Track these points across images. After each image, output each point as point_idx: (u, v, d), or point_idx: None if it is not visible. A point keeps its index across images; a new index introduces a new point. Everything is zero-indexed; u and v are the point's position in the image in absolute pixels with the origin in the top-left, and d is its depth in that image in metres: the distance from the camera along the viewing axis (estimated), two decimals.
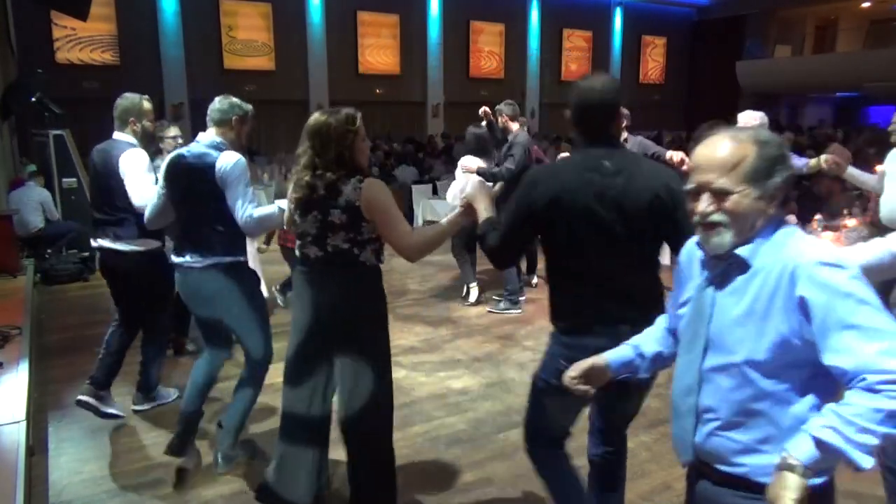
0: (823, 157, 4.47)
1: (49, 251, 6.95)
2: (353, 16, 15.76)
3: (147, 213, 3.09)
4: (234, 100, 2.97)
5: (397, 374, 4.19)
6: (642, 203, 1.95)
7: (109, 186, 3.40)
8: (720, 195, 1.35)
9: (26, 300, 5.05)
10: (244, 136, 3.03)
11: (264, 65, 14.69)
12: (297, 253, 2.48)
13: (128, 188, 3.33)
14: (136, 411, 3.70)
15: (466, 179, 5.37)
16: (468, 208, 2.30)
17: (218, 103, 2.93)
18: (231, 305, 2.90)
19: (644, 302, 2.01)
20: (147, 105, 3.56)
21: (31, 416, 3.18)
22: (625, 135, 5.81)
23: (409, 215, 9.76)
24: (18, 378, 3.35)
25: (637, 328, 1.83)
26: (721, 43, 20.02)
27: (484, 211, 2.21)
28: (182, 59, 13.58)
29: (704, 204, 1.36)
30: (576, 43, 19.53)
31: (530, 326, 5.22)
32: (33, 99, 7.67)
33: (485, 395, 3.92)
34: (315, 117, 2.37)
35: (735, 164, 1.34)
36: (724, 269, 1.41)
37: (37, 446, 3.21)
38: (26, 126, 9.36)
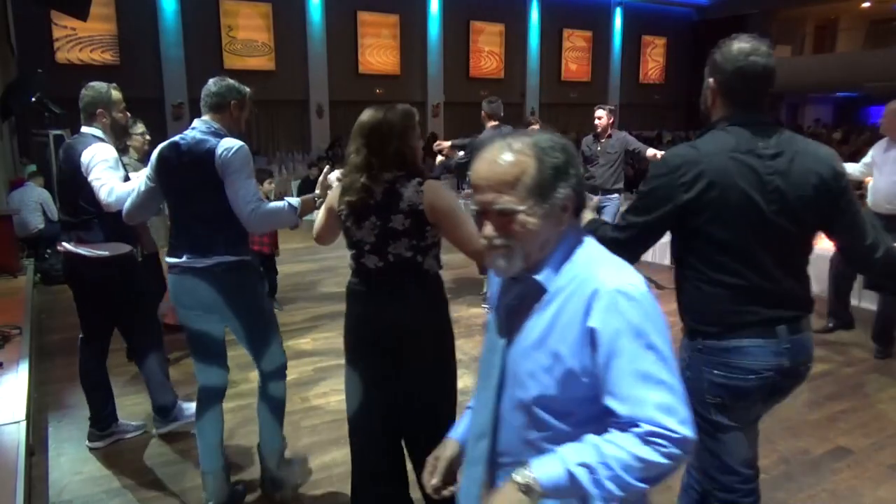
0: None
1: (49, 251, 6.95)
2: (353, 16, 15.76)
3: (127, 206, 2.75)
4: (231, 81, 2.66)
5: None
6: (807, 189, 1.70)
7: (73, 184, 3.07)
8: (504, 216, 1.19)
9: (26, 300, 5.05)
10: (243, 121, 2.71)
11: (264, 65, 14.69)
12: (350, 264, 2.25)
13: (94, 186, 2.97)
14: (160, 435, 3.43)
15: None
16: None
17: (214, 86, 2.61)
18: (239, 311, 2.61)
19: (800, 300, 1.80)
20: (116, 94, 3.19)
21: (32, 415, 3.18)
22: (609, 130, 5.99)
23: None
24: (18, 378, 3.35)
25: (793, 329, 1.72)
26: None
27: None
28: (182, 59, 13.59)
29: (489, 228, 1.21)
30: (576, 43, 19.53)
31: None
32: (33, 99, 7.68)
33: None
34: (370, 114, 2.16)
35: (515, 179, 1.18)
36: (520, 291, 1.27)
37: (37, 446, 3.21)
38: (26, 126, 9.37)
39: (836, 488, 2.92)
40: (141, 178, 2.77)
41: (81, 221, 3.09)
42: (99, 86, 3.16)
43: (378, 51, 16.23)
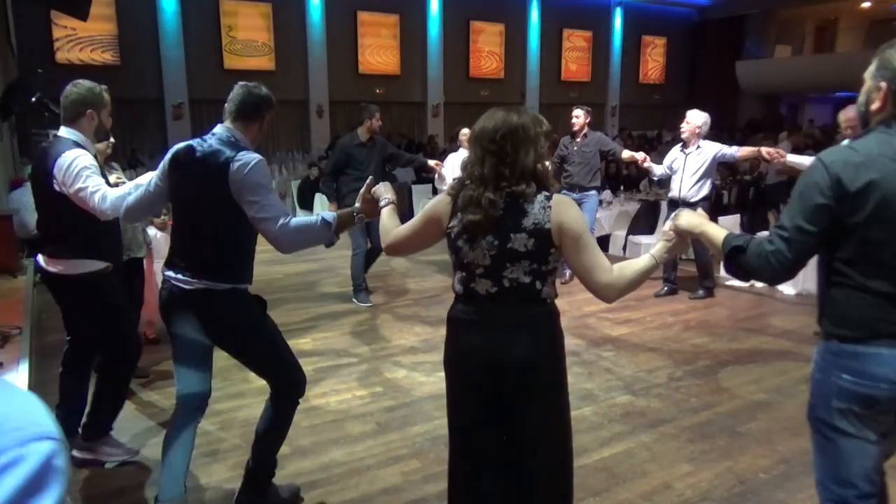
0: (764, 148, 5.33)
1: None
2: (353, 16, 15.76)
3: (129, 202, 2.55)
4: (266, 91, 2.45)
5: (397, 373, 4.21)
6: None
7: (43, 193, 2.82)
8: None
9: (26, 300, 5.03)
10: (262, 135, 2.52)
11: (264, 65, 14.68)
12: (456, 289, 1.99)
13: (82, 196, 2.69)
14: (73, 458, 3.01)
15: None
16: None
17: (249, 94, 2.40)
18: (223, 340, 2.45)
19: None
20: (107, 96, 2.93)
21: None
22: (585, 130, 6.14)
23: (409, 215, 9.75)
24: (18, 378, 3.34)
25: None
26: (721, 43, 20.02)
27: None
28: (182, 60, 13.59)
29: None
30: (576, 43, 19.52)
31: None
32: (33, 99, 7.63)
33: None
34: (500, 117, 1.90)
35: None
36: None
37: None
38: (26, 126, 9.36)
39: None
40: (147, 178, 2.68)
41: (52, 235, 2.87)
42: (90, 84, 2.88)
43: (378, 51, 16.23)
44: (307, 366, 4.40)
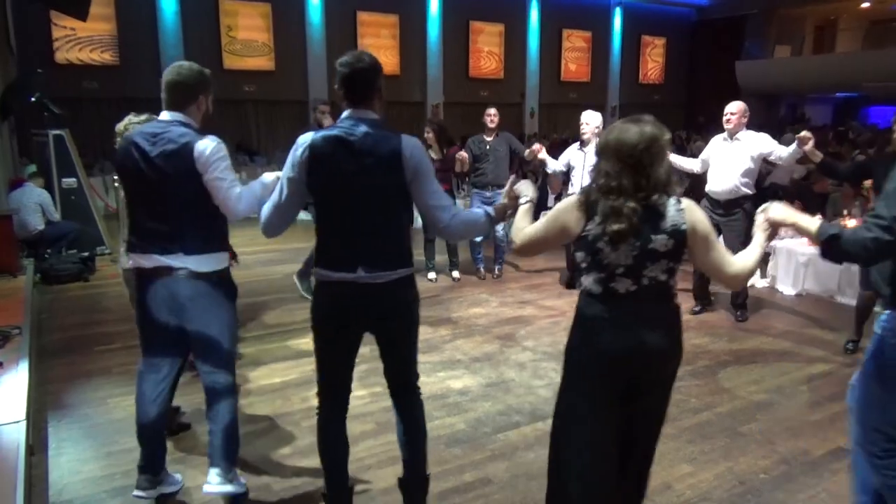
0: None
1: (49, 251, 6.96)
2: (353, 16, 15.77)
3: (267, 213, 2.40)
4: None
5: None
6: None
7: (177, 184, 2.49)
8: None
9: (26, 300, 5.06)
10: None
11: (264, 65, 14.70)
12: (592, 289, 2.06)
13: (215, 187, 2.49)
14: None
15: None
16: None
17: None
18: (407, 322, 2.48)
19: None
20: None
21: (31, 415, 3.18)
22: (496, 130, 6.44)
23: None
24: (18, 377, 3.35)
25: None
26: (721, 43, 20.03)
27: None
28: (182, 59, 13.55)
29: None
30: (575, 43, 19.54)
31: (530, 327, 5.22)
32: (33, 99, 7.68)
33: (485, 396, 3.92)
34: (638, 131, 1.99)
35: None
36: None
37: (37, 446, 3.21)
38: (26, 126, 9.36)
39: (836, 489, 2.91)
40: (271, 179, 2.60)
41: (175, 228, 2.52)
42: (198, 67, 2.68)
43: (378, 51, 16.18)
44: (307, 366, 4.42)
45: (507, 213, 2.46)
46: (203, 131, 2.61)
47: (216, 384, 2.64)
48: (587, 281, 2.07)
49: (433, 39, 16.84)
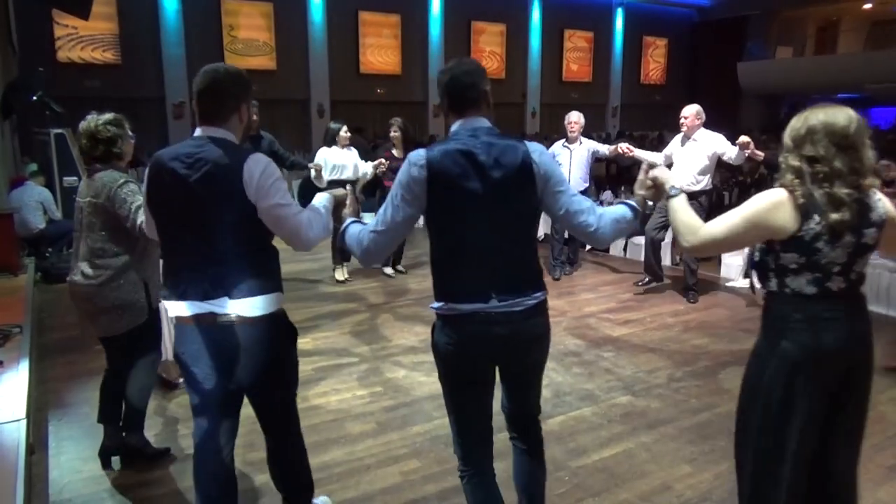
0: (623, 144, 5.82)
1: (50, 250, 6.96)
2: (355, 15, 15.79)
3: (380, 241, 2.10)
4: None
5: (397, 373, 4.21)
6: None
7: (226, 210, 2.06)
8: None
9: (27, 299, 5.06)
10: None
11: (265, 64, 14.71)
12: (806, 291, 1.91)
13: (279, 215, 2.10)
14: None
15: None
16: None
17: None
18: None
19: None
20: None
21: (32, 414, 3.18)
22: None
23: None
24: (19, 376, 3.35)
25: None
26: (722, 44, 20.04)
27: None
28: (183, 59, 13.61)
29: None
30: (577, 43, 19.55)
31: None
32: (34, 98, 7.69)
33: None
34: (846, 112, 1.87)
35: None
36: None
37: (37, 445, 3.21)
38: (28, 125, 9.38)
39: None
40: (325, 202, 2.32)
41: (224, 264, 2.09)
42: (234, 68, 2.24)
43: (379, 50, 16.25)
44: (307, 365, 4.42)
45: (647, 203, 2.23)
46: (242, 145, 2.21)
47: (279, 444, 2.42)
48: (794, 283, 1.91)
49: (435, 39, 16.85)
